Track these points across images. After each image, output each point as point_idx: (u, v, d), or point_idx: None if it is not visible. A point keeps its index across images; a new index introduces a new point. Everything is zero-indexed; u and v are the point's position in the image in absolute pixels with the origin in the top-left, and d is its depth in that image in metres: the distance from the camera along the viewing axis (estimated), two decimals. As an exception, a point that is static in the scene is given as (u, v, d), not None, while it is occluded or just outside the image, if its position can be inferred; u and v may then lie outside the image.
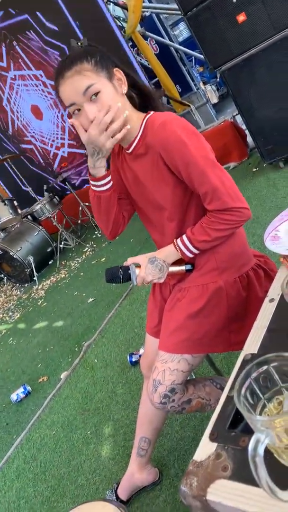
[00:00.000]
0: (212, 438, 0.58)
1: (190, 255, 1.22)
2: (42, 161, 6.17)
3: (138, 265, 1.24)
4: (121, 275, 1.22)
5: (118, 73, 1.14)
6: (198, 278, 1.27)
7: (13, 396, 2.75)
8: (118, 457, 1.84)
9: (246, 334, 1.28)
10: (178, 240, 1.22)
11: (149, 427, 1.49)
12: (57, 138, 5.83)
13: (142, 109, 1.22)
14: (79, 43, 1.13)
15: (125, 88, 1.15)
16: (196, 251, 1.21)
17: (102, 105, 1.08)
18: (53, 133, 5.83)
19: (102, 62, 1.11)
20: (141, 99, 1.24)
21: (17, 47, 5.36)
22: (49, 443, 2.19)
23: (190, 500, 0.53)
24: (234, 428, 0.58)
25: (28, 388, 2.76)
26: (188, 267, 1.27)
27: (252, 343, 0.71)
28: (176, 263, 1.26)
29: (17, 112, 5.89)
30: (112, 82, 1.12)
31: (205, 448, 0.58)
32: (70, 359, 2.86)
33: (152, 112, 1.19)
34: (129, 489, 1.58)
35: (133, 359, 2.35)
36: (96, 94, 1.07)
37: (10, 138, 6.16)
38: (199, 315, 1.24)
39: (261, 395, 0.49)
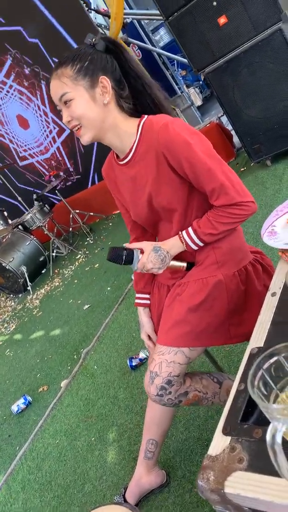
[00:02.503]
0: (225, 432, 0.59)
1: (195, 248, 1.24)
2: (31, 172, 6.16)
3: (141, 251, 1.25)
4: (124, 256, 1.21)
5: (105, 81, 1.16)
6: (197, 273, 1.28)
7: (14, 408, 2.73)
8: (124, 462, 1.83)
9: (245, 327, 1.31)
10: (184, 232, 1.23)
11: (157, 429, 1.49)
12: (47, 137, 5.79)
13: (137, 114, 1.23)
14: (93, 39, 1.15)
15: (107, 98, 1.16)
16: (200, 244, 1.23)
17: (72, 113, 1.15)
18: (42, 134, 5.80)
19: (88, 69, 1.14)
20: (144, 107, 1.24)
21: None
22: (53, 452, 2.18)
23: (208, 494, 0.53)
24: (246, 421, 0.59)
25: (29, 398, 2.74)
26: (189, 265, 1.28)
27: (258, 337, 0.72)
28: (177, 258, 1.27)
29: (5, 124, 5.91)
30: (94, 90, 1.15)
31: (219, 442, 0.59)
32: (69, 367, 2.85)
33: (146, 116, 1.20)
34: (137, 493, 1.57)
35: (133, 363, 2.35)
36: (70, 102, 1.14)
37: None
38: (199, 309, 1.25)
39: (273, 385, 0.50)
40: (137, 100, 1.23)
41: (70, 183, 5.94)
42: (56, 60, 4.85)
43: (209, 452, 0.58)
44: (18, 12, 4.87)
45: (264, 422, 0.52)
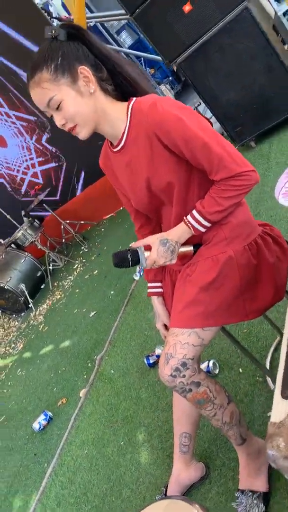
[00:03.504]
0: (285, 395, 0.56)
1: (203, 230, 1.20)
2: (10, 189, 6.09)
3: (146, 248, 1.21)
4: (129, 258, 1.18)
5: (85, 71, 1.12)
6: (206, 251, 1.25)
7: (35, 425, 2.66)
8: (158, 461, 1.79)
9: (261, 301, 1.27)
10: (189, 216, 1.19)
11: (187, 421, 1.46)
12: (25, 161, 5.76)
13: (123, 97, 1.20)
14: (53, 32, 1.10)
15: (92, 87, 1.13)
16: (208, 224, 1.19)
17: (65, 114, 1.12)
18: (20, 157, 5.75)
19: (64, 65, 1.10)
20: (122, 88, 1.20)
21: None
22: (83, 463, 2.12)
23: (281, 463, 0.50)
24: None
25: (49, 413, 2.68)
26: (197, 246, 1.25)
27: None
28: (183, 243, 1.24)
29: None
30: (77, 84, 1.11)
31: (280, 408, 0.55)
32: (85, 376, 2.80)
33: (134, 99, 1.17)
34: (179, 490, 1.53)
35: (151, 361, 2.31)
36: (59, 104, 1.10)
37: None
38: (211, 287, 1.21)
39: None
40: (112, 81, 1.19)
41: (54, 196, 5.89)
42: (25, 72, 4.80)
43: (272, 419, 0.54)
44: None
45: None
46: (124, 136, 1.19)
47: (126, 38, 8.13)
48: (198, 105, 4.22)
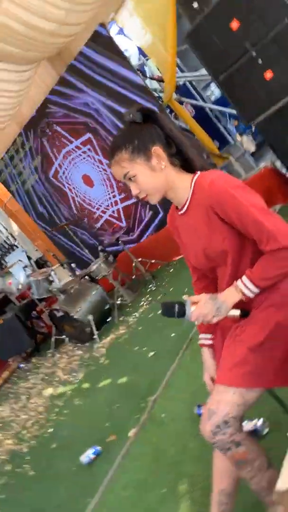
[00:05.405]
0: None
1: (250, 295, 1.28)
2: (95, 225, 6.55)
3: (194, 302, 1.30)
4: (176, 310, 1.28)
5: (157, 151, 1.31)
6: (257, 315, 1.32)
7: (83, 458, 2.71)
8: (197, 515, 1.78)
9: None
10: (239, 281, 1.29)
11: (227, 478, 1.46)
12: (109, 198, 6.18)
13: (190, 170, 1.37)
14: (131, 115, 1.30)
15: (163, 164, 1.31)
16: (256, 290, 1.27)
17: (138, 185, 1.32)
18: (106, 195, 6.20)
19: (140, 146, 1.29)
20: (185, 162, 1.38)
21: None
22: (124, 505, 2.15)
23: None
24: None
25: (98, 448, 2.75)
26: (243, 312, 1.31)
27: None
28: (234, 307, 1.32)
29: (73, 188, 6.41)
30: (150, 162, 1.30)
31: (285, 476, 0.61)
32: (137, 416, 2.85)
33: (199, 173, 1.34)
34: None
35: (201, 411, 2.31)
36: (134, 177, 1.30)
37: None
38: (259, 349, 1.27)
39: None
40: (179, 155, 1.37)
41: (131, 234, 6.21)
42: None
43: (277, 487, 0.60)
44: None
45: None
46: (187, 203, 1.35)
47: (214, 90, 8.53)
48: (275, 161, 4.29)
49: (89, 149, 5.95)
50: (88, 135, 5.85)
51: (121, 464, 2.47)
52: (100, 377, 4.00)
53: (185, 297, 1.34)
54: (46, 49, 4.89)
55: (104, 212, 6.31)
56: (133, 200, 5.86)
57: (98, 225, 6.42)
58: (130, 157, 1.29)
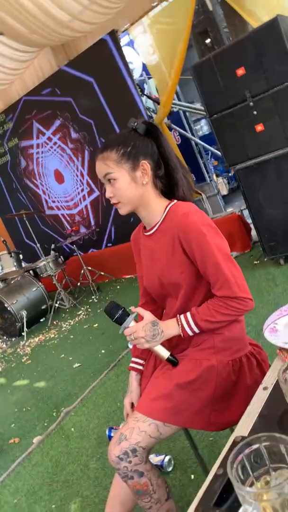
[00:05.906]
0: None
1: (190, 333, 1.27)
2: (54, 222, 6.42)
3: (136, 319, 1.27)
4: (118, 315, 1.24)
5: (145, 165, 1.29)
6: (193, 353, 1.31)
7: (-21, 455, 2.60)
8: (80, 540, 1.71)
9: (226, 417, 1.30)
10: (182, 316, 1.28)
11: (120, 506, 1.42)
12: (81, 191, 6.09)
13: (167, 195, 1.36)
14: (135, 124, 1.29)
15: (146, 179, 1.30)
16: (196, 330, 1.26)
17: (114, 190, 1.28)
18: (74, 191, 6.12)
19: (131, 154, 1.28)
20: (168, 188, 1.37)
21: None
22: (8, 511, 2.04)
23: None
24: (219, 506, 0.59)
25: (-4, 448, 2.62)
26: (172, 357, 1.29)
27: (243, 427, 0.74)
28: (168, 344, 1.30)
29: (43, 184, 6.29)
30: (134, 172, 1.28)
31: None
32: (46, 424, 2.75)
33: (175, 201, 1.33)
34: None
35: (112, 434, 2.27)
36: (114, 180, 1.27)
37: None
38: (187, 387, 1.25)
39: (250, 472, 0.52)
40: (165, 180, 1.36)
41: (87, 238, 6.13)
42: (102, 139, 5.30)
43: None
44: (72, 87, 5.41)
45: (237, 509, 0.53)
46: (156, 226, 1.33)
47: (203, 126, 8.82)
48: (244, 208, 4.45)
49: (59, 139, 5.90)
50: (58, 122, 5.81)
51: (16, 469, 2.35)
52: (18, 375, 3.85)
53: (132, 308, 1.31)
54: (51, 37, 4.81)
55: (70, 208, 6.23)
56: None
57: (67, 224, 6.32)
58: (117, 159, 1.27)
